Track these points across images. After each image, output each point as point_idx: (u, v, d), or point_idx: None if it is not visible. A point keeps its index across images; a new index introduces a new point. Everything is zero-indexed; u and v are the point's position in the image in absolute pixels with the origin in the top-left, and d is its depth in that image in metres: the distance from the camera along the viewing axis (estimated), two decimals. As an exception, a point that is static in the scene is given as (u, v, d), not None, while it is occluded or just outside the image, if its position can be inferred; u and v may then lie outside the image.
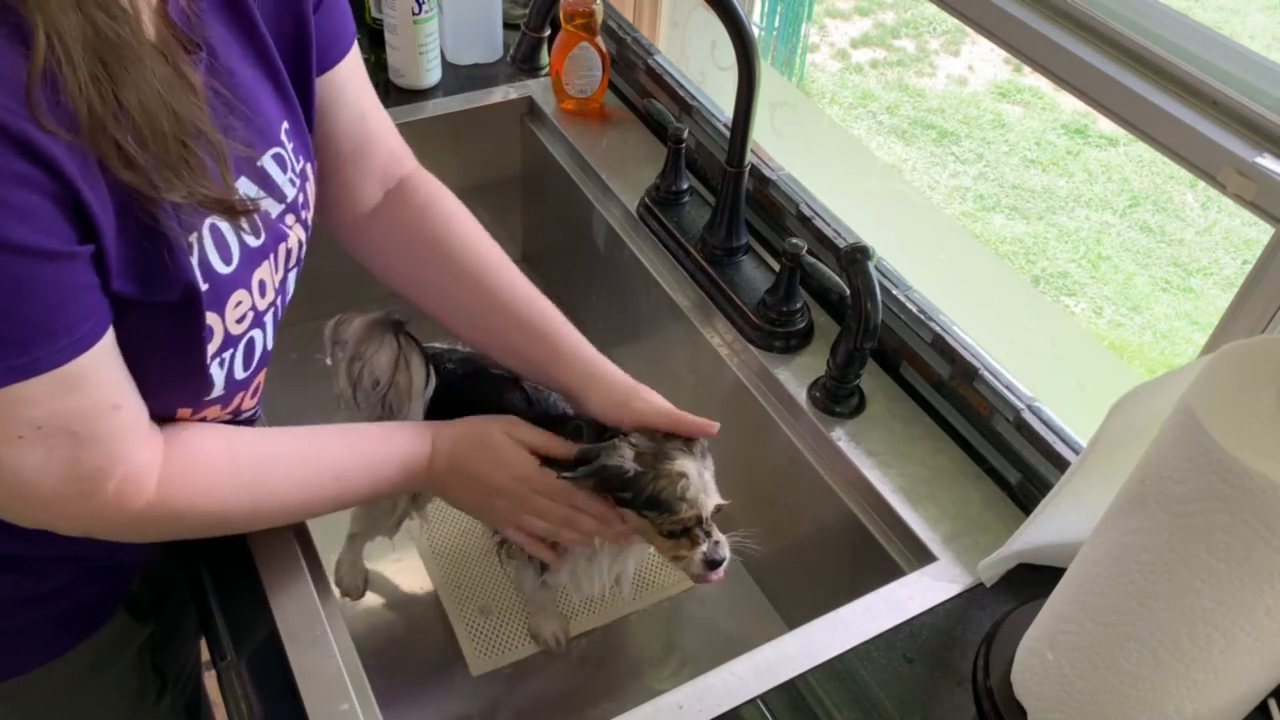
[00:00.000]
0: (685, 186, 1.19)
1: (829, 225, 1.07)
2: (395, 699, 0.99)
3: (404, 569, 1.12)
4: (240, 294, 0.70)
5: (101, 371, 0.61)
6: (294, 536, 0.85)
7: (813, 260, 1.05)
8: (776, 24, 2.53)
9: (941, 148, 3.39)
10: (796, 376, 1.03)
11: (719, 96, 1.24)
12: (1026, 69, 1.52)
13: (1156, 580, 0.61)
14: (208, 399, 0.72)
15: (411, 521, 1.04)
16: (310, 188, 0.79)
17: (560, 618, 1.05)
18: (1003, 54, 1.89)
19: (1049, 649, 0.70)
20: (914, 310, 0.98)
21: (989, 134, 3.44)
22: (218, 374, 0.70)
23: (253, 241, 0.70)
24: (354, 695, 0.75)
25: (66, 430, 0.61)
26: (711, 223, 1.12)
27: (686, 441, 0.84)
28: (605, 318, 1.32)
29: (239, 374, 0.73)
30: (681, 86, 1.27)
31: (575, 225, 1.31)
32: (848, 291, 0.95)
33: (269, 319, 0.75)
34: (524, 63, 1.05)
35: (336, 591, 1.06)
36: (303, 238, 0.78)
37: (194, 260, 0.64)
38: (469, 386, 0.94)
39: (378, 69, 1.38)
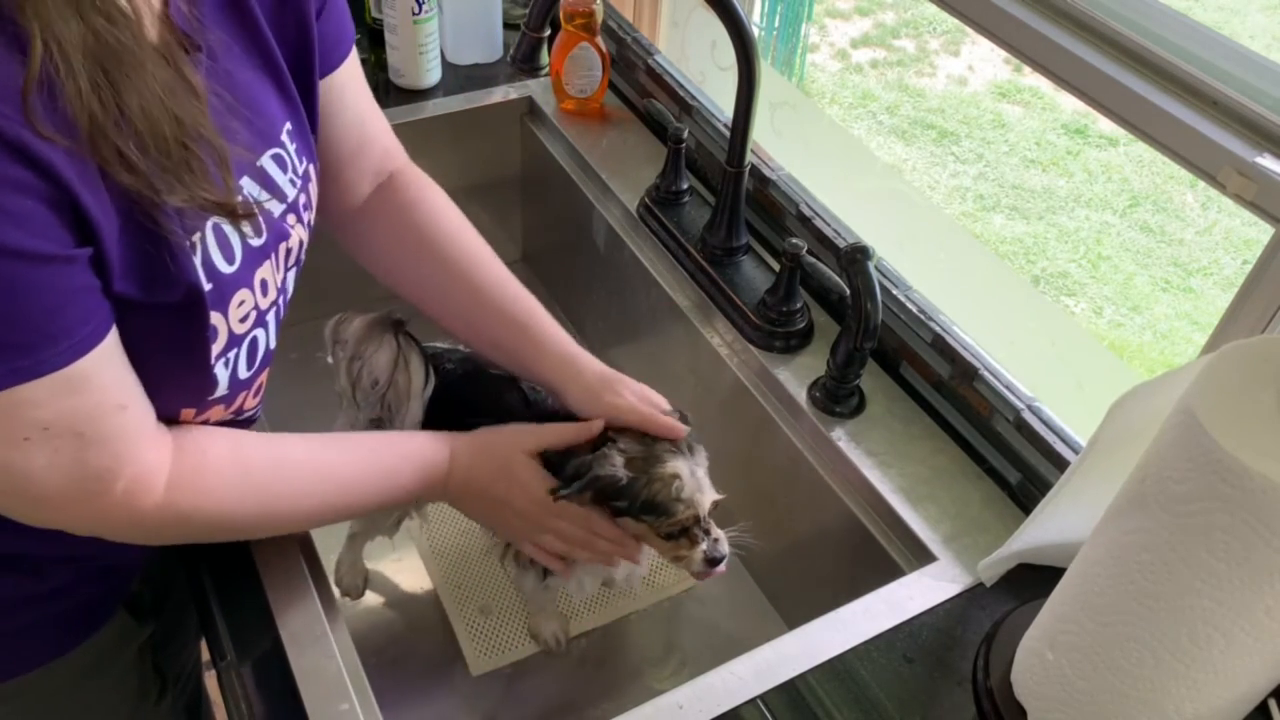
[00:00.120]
0: (685, 186, 1.19)
1: (829, 225, 1.08)
2: (395, 699, 0.99)
3: (404, 569, 1.12)
4: (243, 293, 0.70)
5: (105, 372, 0.61)
6: (294, 537, 0.85)
7: (813, 260, 1.05)
8: (776, 24, 2.53)
9: (941, 148, 3.39)
10: (796, 376, 1.03)
11: (719, 96, 1.24)
12: (1026, 69, 1.52)
13: (1156, 580, 0.61)
14: (211, 399, 0.72)
15: (411, 521, 1.04)
16: (313, 189, 0.80)
17: (560, 618, 1.05)
18: (1003, 54, 1.89)
19: (1049, 649, 0.70)
20: (914, 310, 0.98)
21: (989, 134, 3.44)
22: (222, 374, 0.71)
23: (254, 241, 0.70)
24: (354, 695, 0.75)
25: (73, 431, 0.61)
26: (711, 223, 1.12)
27: (675, 439, 0.84)
28: (605, 318, 1.32)
29: (242, 373, 0.74)
30: (681, 86, 1.27)
31: (575, 225, 1.31)
32: (848, 291, 0.95)
33: (271, 318, 0.75)
34: (524, 63, 1.05)
35: (336, 591, 1.06)
36: (304, 238, 0.78)
37: (197, 260, 0.65)
38: (468, 386, 0.94)
39: (378, 69, 1.38)
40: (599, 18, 1.28)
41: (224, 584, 0.83)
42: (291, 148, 0.75)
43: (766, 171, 1.15)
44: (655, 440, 0.83)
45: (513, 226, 1.50)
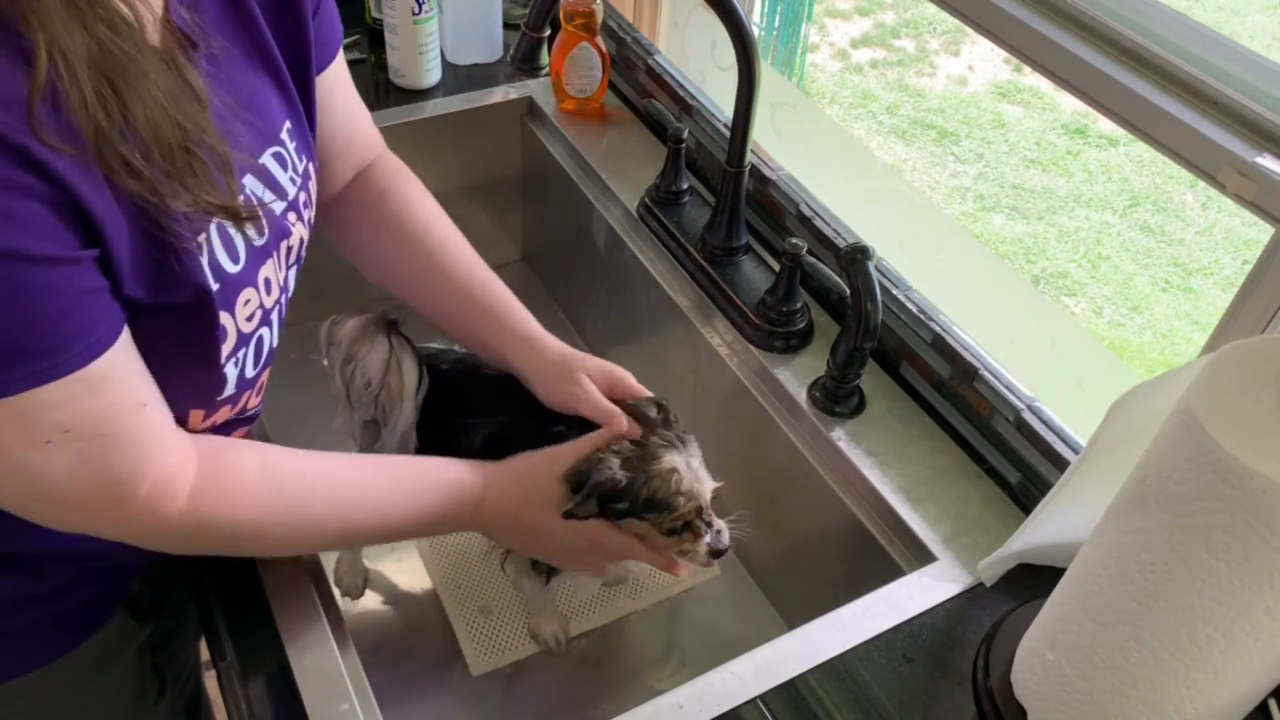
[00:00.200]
0: (685, 186, 1.19)
1: (829, 225, 1.08)
2: (395, 699, 0.99)
3: (404, 569, 1.12)
4: (249, 292, 0.70)
5: (121, 371, 0.62)
6: (294, 536, 0.85)
7: (813, 260, 1.05)
8: (776, 24, 2.53)
9: (941, 148, 3.39)
10: (796, 376, 1.03)
11: (719, 96, 1.24)
12: (1026, 69, 1.52)
13: (1156, 580, 0.61)
14: (220, 399, 0.72)
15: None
16: (313, 187, 0.80)
17: (560, 618, 1.05)
18: (1003, 54, 1.89)
19: (1049, 649, 0.70)
20: (914, 310, 0.98)
21: (989, 134, 3.44)
22: (231, 373, 0.71)
23: (257, 240, 0.71)
24: (354, 695, 0.75)
25: (94, 432, 0.61)
26: (711, 223, 1.12)
27: (665, 432, 0.84)
28: (605, 318, 1.32)
29: (249, 372, 0.74)
30: (681, 86, 1.27)
31: (575, 225, 1.31)
32: (848, 291, 0.95)
33: (275, 316, 0.76)
34: (524, 63, 1.05)
35: (336, 591, 1.06)
36: (304, 235, 0.79)
37: (204, 261, 0.65)
38: (463, 387, 0.94)
39: (378, 69, 1.38)
40: (599, 18, 1.28)
41: (224, 584, 0.83)
42: (291, 146, 0.75)
43: (766, 171, 1.15)
44: (647, 436, 0.83)
45: (513, 226, 1.50)
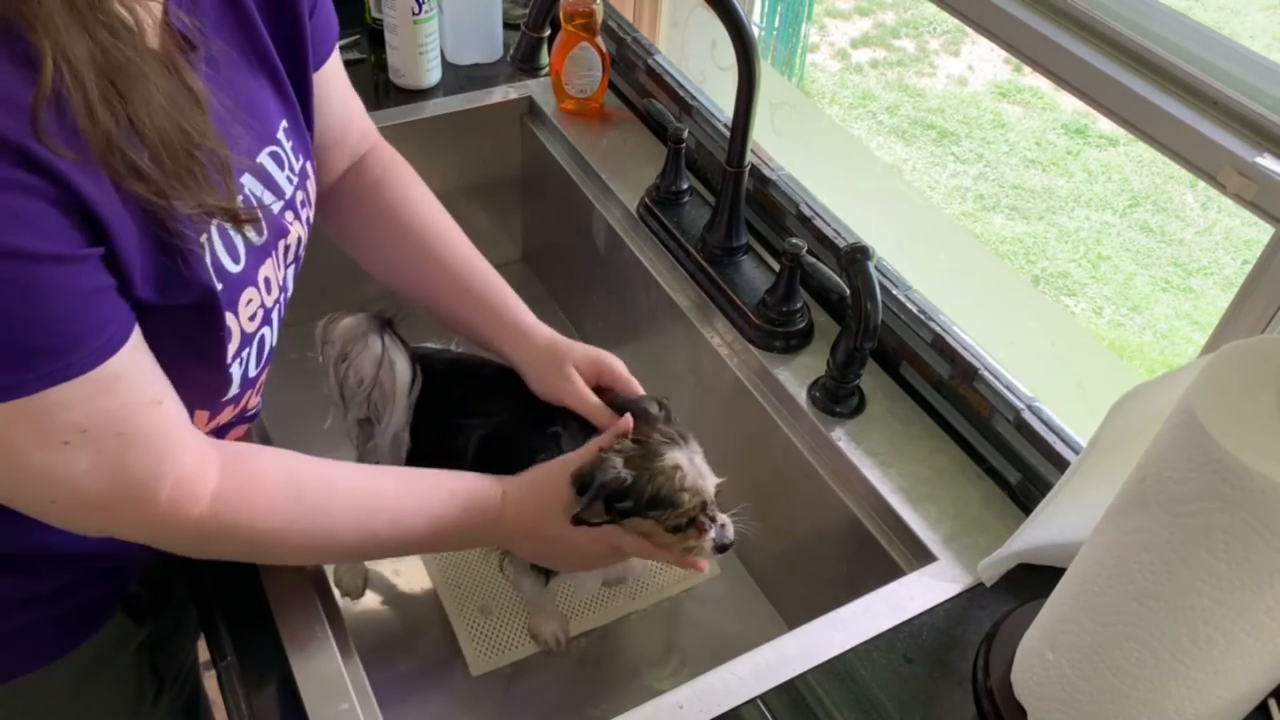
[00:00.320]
0: (685, 186, 1.19)
1: (829, 225, 1.07)
2: (395, 699, 0.99)
3: (404, 568, 1.12)
4: (250, 291, 0.70)
5: (135, 369, 0.62)
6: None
7: (813, 260, 1.05)
8: (776, 24, 2.53)
9: (941, 148, 3.39)
10: (796, 376, 1.03)
11: (719, 96, 1.24)
12: (1026, 69, 1.52)
13: (1156, 580, 0.61)
14: (224, 399, 0.72)
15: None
16: (311, 186, 0.80)
17: (560, 618, 1.05)
18: (1003, 54, 1.89)
19: (1049, 649, 0.70)
20: (914, 310, 0.98)
21: (989, 134, 3.44)
22: (236, 373, 0.71)
23: (256, 239, 0.71)
24: (354, 695, 0.75)
25: (112, 431, 0.61)
26: (711, 223, 1.12)
27: (665, 429, 0.84)
28: (605, 318, 1.32)
29: (251, 372, 0.74)
30: (681, 86, 1.27)
31: (575, 225, 1.31)
32: (848, 291, 0.95)
33: (275, 315, 0.76)
34: (524, 63, 1.05)
35: (336, 591, 1.06)
36: (302, 235, 0.79)
37: (207, 262, 0.65)
38: (458, 387, 0.94)
39: (378, 69, 1.38)
40: (599, 18, 1.28)
41: (225, 584, 0.83)
42: (288, 145, 0.75)
43: (766, 171, 1.14)
44: (648, 434, 0.83)
45: (513, 226, 1.50)
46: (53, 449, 0.59)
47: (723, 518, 0.84)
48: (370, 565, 1.10)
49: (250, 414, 0.80)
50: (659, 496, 0.80)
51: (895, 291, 1.00)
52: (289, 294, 0.79)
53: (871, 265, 0.91)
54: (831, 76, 3.69)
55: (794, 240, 1.01)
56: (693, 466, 0.81)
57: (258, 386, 0.78)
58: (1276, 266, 0.77)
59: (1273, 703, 0.67)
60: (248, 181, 0.70)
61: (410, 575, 1.12)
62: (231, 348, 0.69)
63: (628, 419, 0.84)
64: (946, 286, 1.09)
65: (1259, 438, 0.55)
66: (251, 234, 0.70)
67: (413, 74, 1.34)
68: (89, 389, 0.58)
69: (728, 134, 1.09)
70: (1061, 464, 0.86)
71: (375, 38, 1.39)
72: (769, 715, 0.76)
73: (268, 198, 0.72)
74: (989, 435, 0.93)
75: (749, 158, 1.06)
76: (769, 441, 1.03)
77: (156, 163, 0.58)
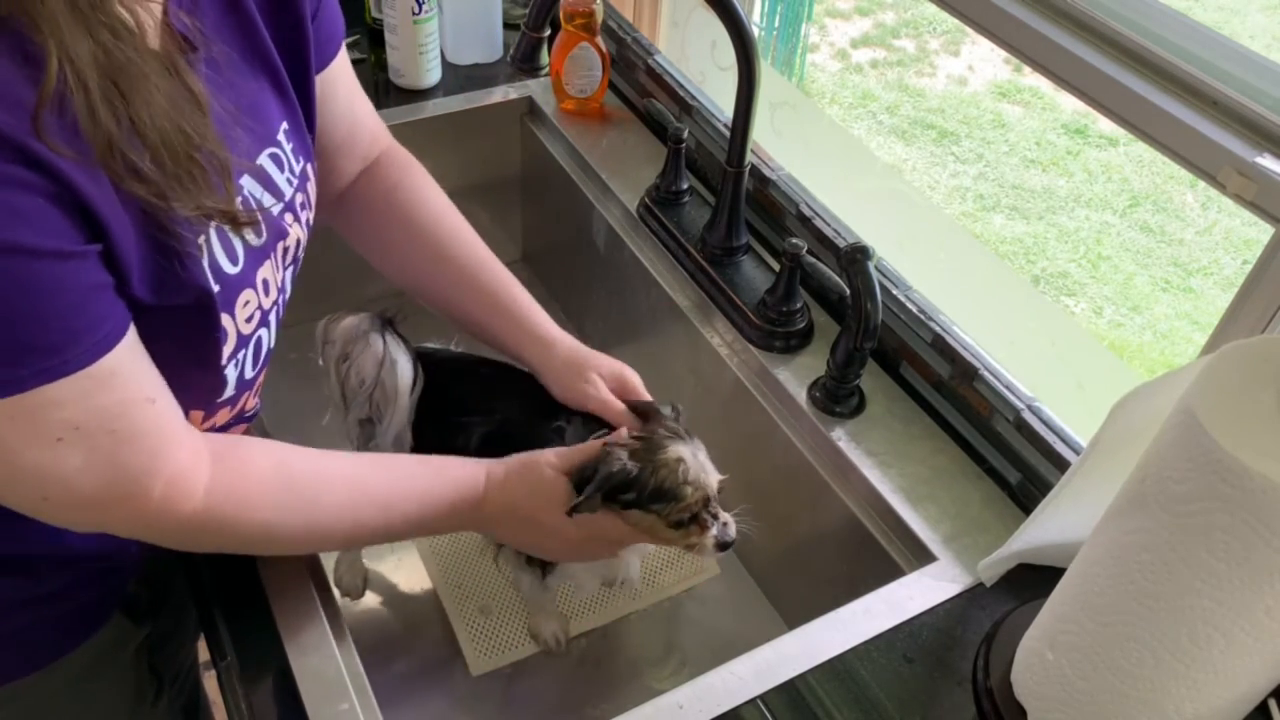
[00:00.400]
0: (685, 186, 1.19)
1: (829, 225, 1.08)
2: (395, 699, 0.99)
3: (403, 568, 1.12)
4: (248, 293, 0.70)
5: (130, 366, 0.61)
6: (294, 536, 0.85)
7: (813, 260, 1.04)
8: (776, 24, 2.53)
9: (941, 148, 3.39)
10: (796, 376, 1.03)
11: (719, 96, 1.24)
12: (1026, 69, 1.52)
13: (1156, 580, 0.61)
14: (220, 400, 0.72)
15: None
16: (311, 188, 0.80)
17: (560, 618, 1.05)
18: (1003, 54, 1.89)
19: (1049, 649, 0.70)
20: (914, 310, 0.98)
21: (989, 134, 3.44)
22: (231, 374, 0.71)
23: (254, 241, 0.71)
24: (354, 695, 0.75)
25: (105, 429, 0.61)
26: (711, 223, 1.12)
27: (670, 424, 0.84)
28: (605, 318, 1.32)
29: (248, 374, 0.74)
30: (681, 86, 1.27)
31: (575, 225, 1.31)
32: (848, 291, 0.95)
33: (273, 317, 0.76)
34: (524, 63, 1.05)
35: (336, 591, 1.06)
36: (301, 237, 0.79)
37: (204, 263, 0.65)
38: (460, 386, 0.94)
39: (378, 69, 1.38)
40: (599, 18, 1.28)
41: (225, 585, 0.83)
42: (288, 147, 0.75)
43: (766, 171, 1.14)
44: (653, 429, 0.84)
45: (513, 226, 1.50)
46: (46, 446, 0.59)
47: (725, 515, 0.84)
48: (370, 565, 1.10)
49: (248, 415, 0.80)
50: (662, 489, 0.80)
51: (895, 291, 1.00)
52: (287, 295, 0.79)
53: (871, 265, 0.91)
54: (831, 76, 3.69)
55: (794, 240, 1.01)
56: (696, 461, 0.82)
57: (255, 388, 0.78)
58: (1276, 266, 0.77)
59: (1273, 703, 0.67)
60: (247, 183, 0.70)
61: (410, 575, 1.12)
62: (227, 349, 0.69)
63: (633, 421, 0.85)
64: (946, 286, 1.09)
65: (1259, 438, 0.55)
66: (250, 236, 0.70)
67: (413, 74, 1.34)
68: (84, 386, 0.58)
69: (728, 134, 1.09)
70: (1061, 464, 0.86)
71: (375, 38, 1.39)
72: (769, 715, 0.76)
73: (267, 199, 0.72)
74: (989, 435, 0.93)
75: (749, 158, 1.06)
76: (769, 441, 1.03)
77: (157, 164, 0.58)
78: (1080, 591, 0.68)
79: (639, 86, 1.34)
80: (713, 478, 0.82)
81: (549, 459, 0.83)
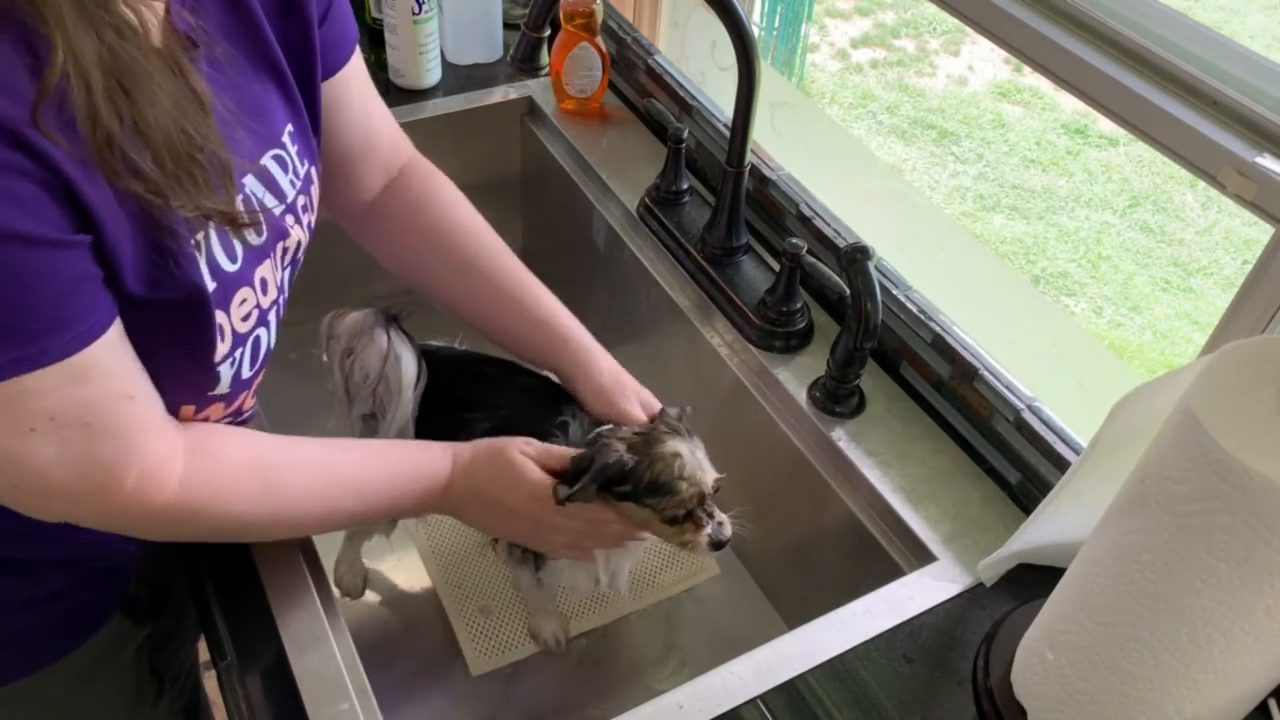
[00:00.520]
0: (685, 186, 1.19)
1: (829, 225, 1.07)
2: (395, 699, 0.99)
3: (403, 568, 1.12)
4: (245, 291, 0.70)
5: (111, 362, 0.61)
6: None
7: (813, 260, 1.04)
8: (776, 24, 2.53)
9: (941, 148, 3.39)
10: (796, 376, 1.03)
11: (719, 96, 1.24)
12: (1026, 69, 1.52)
13: (1156, 580, 0.61)
14: (212, 395, 0.72)
15: (409, 520, 1.04)
16: (314, 191, 0.80)
17: (560, 618, 1.05)
18: (1003, 54, 1.89)
19: (1049, 649, 0.70)
20: (914, 310, 0.98)
21: (989, 134, 3.44)
22: (226, 373, 0.71)
23: (255, 240, 0.71)
24: (354, 695, 0.75)
25: (80, 421, 0.60)
26: (711, 223, 1.12)
27: (670, 420, 0.85)
28: (605, 318, 1.32)
29: (245, 373, 0.74)
30: (681, 86, 1.27)
31: (575, 225, 1.31)
32: (848, 291, 0.95)
33: (272, 317, 0.76)
34: (524, 63, 1.05)
35: (336, 591, 1.06)
36: (302, 239, 0.78)
37: (202, 260, 0.65)
38: (464, 382, 0.95)
39: (378, 69, 1.38)
40: (599, 18, 1.28)
41: (224, 584, 0.83)
42: (293, 149, 0.75)
43: (766, 171, 1.14)
44: (653, 424, 0.84)
45: (513, 226, 1.50)
46: (19, 435, 0.58)
47: (720, 515, 0.84)
48: (370, 565, 1.10)
49: (245, 416, 0.80)
50: (657, 483, 0.80)
51: (895, 291, 1.00)
52: (287, 296, 0.79)
53: (871, 265, 0.91)
54: (831, 76, 3.69)
55: (794, 240, 1.01)
56: (693, 458, 0.82)
57: (254, 388, 0.78)
58: (1276, 266, 0.77)
59: (1273, 703, 0.67)
60: (249, 183, 0.70)
61: (410, 575, 1.12)
62: (222, 347, 0.69)
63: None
64: (946, 286, 1.09)
65: (1259, 438, 0.55)
66: (250, 235, 0.70)
67: (413, 74, 1.34)
68: (63, 376, 0.58)
69: (728, 134, 1.09)
70: (1061, 464, 0.86)
71: (375, 38, 1.39)
72: (769, 715, 0.76)
73: (269, 200, 0.72)
74: (989, 435, 0.93)
75: (749, 158, 1.06)
76: (769, 441, 1.03)
77: (158, 164, 0.58)
78: (1080, 591, 0.68)
79: (639, 86, 1.34)
80: (709, 475, 0.83)
81: (520, 445, 0.83)
